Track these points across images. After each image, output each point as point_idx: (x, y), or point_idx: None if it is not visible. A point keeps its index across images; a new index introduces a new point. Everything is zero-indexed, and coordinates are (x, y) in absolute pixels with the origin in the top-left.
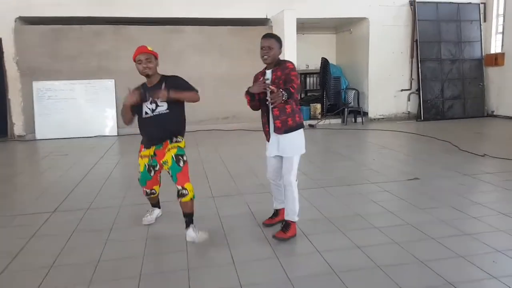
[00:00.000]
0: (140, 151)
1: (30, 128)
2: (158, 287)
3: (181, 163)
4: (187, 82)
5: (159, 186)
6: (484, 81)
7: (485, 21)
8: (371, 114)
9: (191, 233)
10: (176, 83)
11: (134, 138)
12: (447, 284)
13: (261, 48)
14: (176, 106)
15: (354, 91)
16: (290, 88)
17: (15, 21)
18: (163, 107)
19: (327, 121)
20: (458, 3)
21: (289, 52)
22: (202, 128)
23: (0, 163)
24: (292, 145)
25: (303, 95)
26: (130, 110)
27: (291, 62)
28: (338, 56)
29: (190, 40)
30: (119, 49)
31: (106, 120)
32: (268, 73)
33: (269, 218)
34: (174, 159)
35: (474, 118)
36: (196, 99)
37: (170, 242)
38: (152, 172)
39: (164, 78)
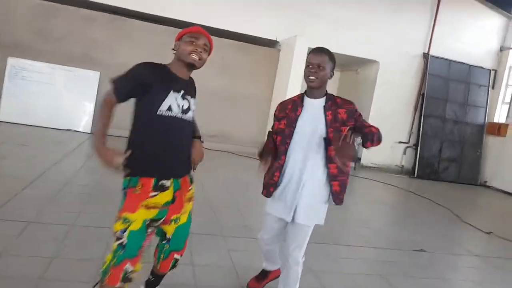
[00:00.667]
0: (142, 198)
1: None
2: None
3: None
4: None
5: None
6: (482, 148)
7: (493, 88)
8: (364, 161)
9: None
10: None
11: (108, 138)
12: None
13: (308, 66)
14: None
15: None
16: (372, 129)
17: None
18: (190, 114)
19: None
20: (470, 65)
21: (295, 81)
22: None
23: None
24: (318, 209)
25: None
26: None
27: (352, 103)
28: (339, 94)
29: None
30: (111, 41)
31: (81, 114)
32: (311, 104)
33: (255, 279)
34: (191, 218)
35: (467, 185)
36: None
37: None
38: (150, 229)
39: (192, 81)
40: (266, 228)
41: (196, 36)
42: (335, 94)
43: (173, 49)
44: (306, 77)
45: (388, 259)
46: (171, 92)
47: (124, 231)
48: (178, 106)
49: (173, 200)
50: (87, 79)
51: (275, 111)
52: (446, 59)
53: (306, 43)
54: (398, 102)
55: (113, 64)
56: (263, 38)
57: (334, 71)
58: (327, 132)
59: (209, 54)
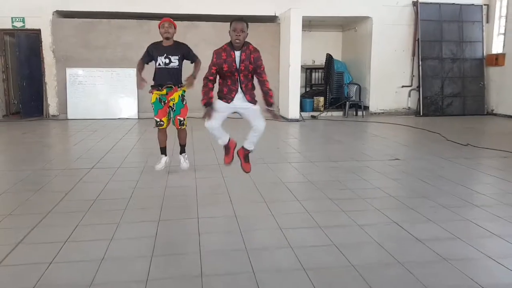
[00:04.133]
0: (152, 92)
1: (63, 109)
2: (174, 225)
3: (184, 102)
4: (193, 52)
5: (168, 121)
6: (485, 80)
7: (487, 22)
8: (372, 108)
9: (182, 162)
10: (188, 53)
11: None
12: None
13: (234, 31)
14: (182, 64)
15: (356, 85)
16: (267, 90)
17: (53, 14)
18: (175, 63)
19: (329, 114)
20: (461, 4)
21: (294, 48)
22: None
23: (40, 136)
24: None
25: (308, 89)
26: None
27: (255, 48)
28: (343, 52)
29: (204, 35)
30: (141, 41)
31: (128, 104)
32: (237, 55)
33: (225, 156)
34: (180, 98)
35: (473, 116)
36: (200, 67)
37: (183, 191)
38: (162, 103)
39: (177, 43)
40: (220, 118)
41: (163, 25)
42: (340, 52)
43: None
44: (233, 39)
45: (365, 166)
46: (158, 57)
47: (152, 105)
48: (162, 62)
49: (166, 93)
50: (128, 76)
51: (212, 59)
52: (436, 3)
53: (300, 14)
54: (396, 50)
55: None
56: (265, 16)
57: (337, 32)
58: (239, 67)
59: (175, 28)
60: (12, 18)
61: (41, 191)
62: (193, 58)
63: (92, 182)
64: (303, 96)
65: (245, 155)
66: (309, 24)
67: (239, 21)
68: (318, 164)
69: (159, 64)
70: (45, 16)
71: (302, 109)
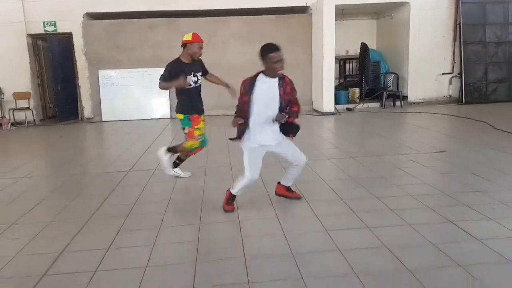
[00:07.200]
0: (198, 118)
1: (97, 111)
2: (216, 229)
3: None
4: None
5: None
6: None
7: None
8: (411, 98)
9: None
10: (204, 66)
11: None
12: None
13: (276, 62)
14: None
15: (393, 75)
16: (295, 113)
17: (83, 17)
18: (200, 80)
19: (365, 105)
20: None
21: (328, 40)
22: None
23: (77, 139)
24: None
25: (341, 80)
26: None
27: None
28: (379, 41)
29: (234, 30)
30: (171, 40)
31: (160, 104)
32: (273, 82)
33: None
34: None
35: None
36: None
37: (222, 193)
38: None
39: (197, 60)
40: (259, 163)
41: (201, 46)
42: (375, 40)
43: (182, 46)
44: (277, 70)
45: (409, 160)
46: (188, 76)
47: (200, 135)
48: (193, 81)
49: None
50: (159, 75)
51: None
52: None
53: (332, 3)
54: (435, 36)
55: None
56: (296, 7)
57: (371, 19)
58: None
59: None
60: (43, 22)
61: (80, 196)
62: (207, 70)
63: (130, 185)
64: (337, 88)
65: (286, 189)
66: (342, 13)
67: (278, 50)
68: (359, 159)
69: (190, 85)
70: (75, 19)
71: (336, 101)
